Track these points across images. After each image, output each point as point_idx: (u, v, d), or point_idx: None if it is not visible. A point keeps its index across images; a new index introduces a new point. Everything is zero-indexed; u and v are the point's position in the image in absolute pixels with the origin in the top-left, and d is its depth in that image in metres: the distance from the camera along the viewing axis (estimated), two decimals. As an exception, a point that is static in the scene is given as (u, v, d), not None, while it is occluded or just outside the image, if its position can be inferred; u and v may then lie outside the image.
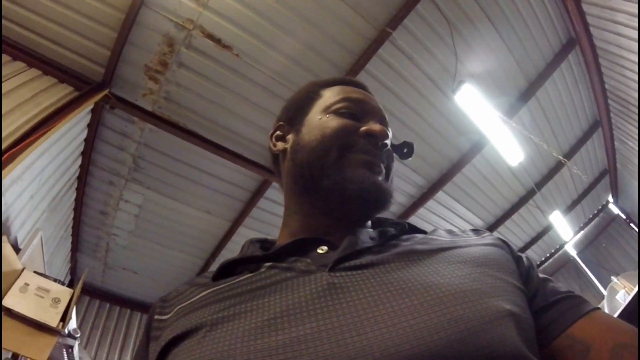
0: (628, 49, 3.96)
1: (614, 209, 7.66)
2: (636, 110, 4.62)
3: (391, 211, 5.33)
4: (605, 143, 5.86)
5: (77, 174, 4.19)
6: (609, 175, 6.74)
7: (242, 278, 0.63)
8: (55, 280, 3.15)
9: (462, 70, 4.02)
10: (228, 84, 3.80)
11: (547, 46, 4.42)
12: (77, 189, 4.30)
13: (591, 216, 7.71)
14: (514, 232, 6.61)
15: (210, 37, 3.52)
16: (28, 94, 3.30)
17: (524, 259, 0.68)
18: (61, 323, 2.85)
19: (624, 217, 7.51)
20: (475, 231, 0.75)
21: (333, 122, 0.74)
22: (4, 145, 2.82)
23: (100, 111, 3.83)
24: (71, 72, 3.58)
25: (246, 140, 4.20)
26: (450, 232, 0.74)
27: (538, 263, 7.85)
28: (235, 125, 4.09)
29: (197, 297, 0.64)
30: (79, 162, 4.11)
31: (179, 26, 3.45)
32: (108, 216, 4.69)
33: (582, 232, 7.73)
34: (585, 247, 8.20)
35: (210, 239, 5.10)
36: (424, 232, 0.73)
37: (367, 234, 0.69)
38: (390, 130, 0.78)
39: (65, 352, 3.28)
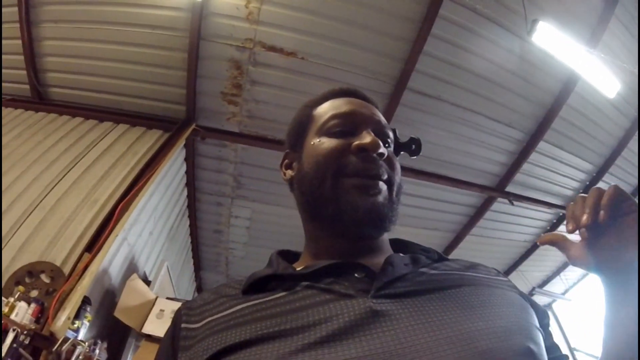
0: None
1: None
2: None
3: (494, 173, 5.11)
4: None
5: (186, 204, 4.60)
6: None
7: (278, 296, 0.63)
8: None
9: (531, 7, 3.70)
10: (301, 87, 3.88)
11: None
12: (189, 216, 4.73)
13: None
14: (628, 170, 5.89)
15: (272, 49, 3.64)
16: (124, 147, 3.71)
17: (547, 314, 0.71)
18: None
19: None
20: (499, 273, 0.76)
21: (324, 146, 0.73)
22: (116, 196, 3.19)
23: (192, 144, 4.16)
24: (156, 118, 3.97)
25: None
26: (474, 266, 0.74)
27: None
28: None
29: (231, 310, 0.63)
30: (185, 192, 4.51)
31: (240, 48, 3.62)
32: (222, 233, 5.07)
33: None
34: None
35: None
36: (448, 259, 0.74)
37: (402, 260, 0.67)
38: (390, 131, 0.77)
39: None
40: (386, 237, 0.76)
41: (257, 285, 0.67)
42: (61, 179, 3.37)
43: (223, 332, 0.59)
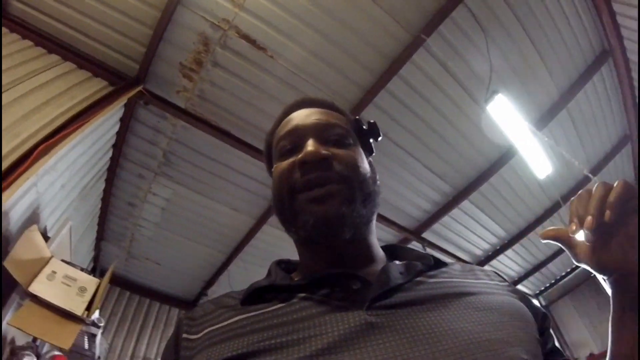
0: None
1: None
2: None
3: (415, 217, 5.33)
4: (633, 158, 5.75)
5: (107, 166, 4.27)
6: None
7: (275, 307, 0.64)
8: (81, 269, 3.22)
9: (495, 79, 3.97)
10: (262, 84, 3.82)
11: (581, 57, 4.37)
12: (106, 180, 4.38)
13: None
14: (537, 245, 6.52)
15: (246, 37, 3.55)
16: (63, 87, 3.36)
17: (548, 318, 0.72)
18: (86, 312, 2.93)
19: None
20: (499, 276, 0.77)
21: (278, 170, 0.77)
22: (39, 137, 2.90)
23: (133, 106, 3.89)
24: (106, 67, 3.64)
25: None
26: (472, 271, 0.75)
27: (558, 278, 7.72)
28: (266, 125, 4.07)
29: (229, 321, 0.65)
30: (110, 154, 4.18)
31: (215, 26, 3.48)
32: (135, 208, 4.77)
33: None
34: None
35: (235, 235, 5.14)
36: (445, 264, 0.75)
37: (397, 269, 0.68)
38: (340, 128, 0.79)
39: (87, 340, 3.37)
40: (371, 240, 0.77)
41: (256, 296, 0.69)
42: None
43: (222, 343, 0.60)
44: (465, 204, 5.27)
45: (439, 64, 3.90)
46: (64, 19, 3.45)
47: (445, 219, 5.43)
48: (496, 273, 0.78)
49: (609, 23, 4.01)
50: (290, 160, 0.75)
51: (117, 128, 4.00)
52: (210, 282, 5.75)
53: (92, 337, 3.35)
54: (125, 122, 3.99)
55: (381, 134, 0.86)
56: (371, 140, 0.86)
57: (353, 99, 4.02)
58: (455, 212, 5.36)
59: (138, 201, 4.71)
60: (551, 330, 0.71)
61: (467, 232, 5.81)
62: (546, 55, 4.18)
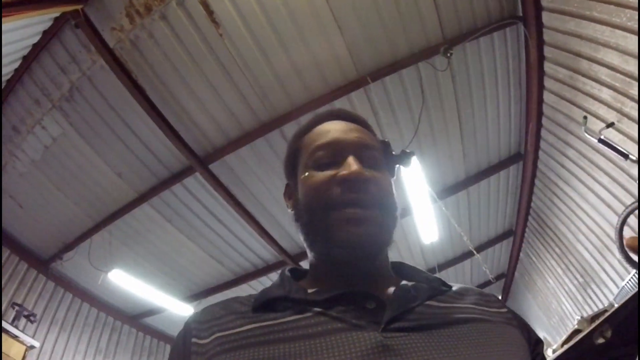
0: (566, 181, 4.37)
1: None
2: (550, 234, 5.21)
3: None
4: (512, 251, 6.32)
5: (8, 77, 3.85)
6: (505, 279, 7.31)
7: (289, 319, 0.63)
8: None
9: (415, 141, 4.15)
10: (198, 57, 3.65)
11: (496, 151, 4.79)
12: (1, 90, 3.93)
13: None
14: None
15: (206, 5, 3.40)
16: None
17: (541, 343, 0.73)
18: None
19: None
20: (499, 302, 0.77)
21: (312, 180, 0.74)
22: None
23: (62, 24, 3.53)
24: None
25: (190, 120, 4.03)
26: (475, 295, 0.76)
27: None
28: (185, 101, 3.91)
29: (241, 329, 0.63)
30: (16, 65, 3.77)
31: (178, -21, 3.33)
32: (19, 135, 4.26)
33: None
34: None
35: (110, 203, 4.74)
36: (450, 286, 0.76)
37: (409, 291, 0.68)
38: (377, 151, 0.78)
39: None
40: (387, 260, 0.77)
41: (268, 305, 0.67)
42: None
43: (234, 351, 0.59)
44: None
45: (370, 108, 4.02)
46: None
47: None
48: (497, 298, 0.79)
49: (532, 131, 4.40)
50: (329, 173, 0.73)
51: (36, 39, 3.62)
52: (69, 246, 5.19)
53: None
54: (47, 38, 3.62)
55: (411, 164, 0.85)
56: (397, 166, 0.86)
57: (281, 110, 4.01)
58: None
59: (24, 128, 4.22)
60: (544, 354, 0.72)
61: None
62: (467, 138, 4.51)
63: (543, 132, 4.38)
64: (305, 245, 0.78)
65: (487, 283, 7.09)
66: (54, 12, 3.28)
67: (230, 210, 4.81)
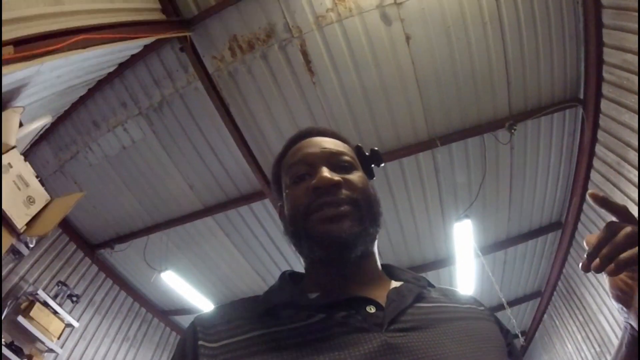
0: None
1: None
2: (576, 301, 5.55)
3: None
4: (537, 311, 6.65)
5: (101, 78, 4.09)
6: (525, 336, 7.53)
7: (296, 325, 0.69)
8: (37, 176, 2.89)
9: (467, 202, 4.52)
10: (289, 96, 3.94)
11: (539, 217, 5.11)
12: (90, 89, 4.18)
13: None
14: None
15: (305, 54, 3.71)
16: None
17: (511, 333, 0.84)
18: (26, 227, 2.61)
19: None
20: (478, 302, 0.87)
21: (291, 195, 0.83)
22: (79, 20, 2.78)
23: (164, 42, 3.79)
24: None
25: (269, 149, 4.31)
26: (458, 296, 0.86)
27: None
28: (268, 132, 4.21)
29: (249, 335, 0.68)
30: (112, 70, 4.02)
31: (287, 27, 3.61)
32: (98, 130, 4.52)
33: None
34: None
35: (175, 208, 5.01)
36: (434, 286, 0.86)
37: (401, 292, 0.76)
38: (347, 156, 0.86)
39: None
40: (376, 262, 0.85)
41: (274, 310, 0.73)
42: None
43: (246, 358, 0.64)
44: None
45: (434, 168, 4.34)
46: None
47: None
48: (474, 298, 0.88)
49: (575, 203, 4.73)
50: (304, 185, 0.81)
51: (136, 51, 3.89)
52: (122, 238, 5.45)
53: (17, 255, 2.99)
54: (147, 51, 3.88)
55: (382, 161, 0.94)
56: (372, 166, 0.95)
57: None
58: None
59: (104, 125, 4.48)
60: (514, 343, 0.83)
61: None
62: (514, 205, 4.86)
63: (585, 207, 4.70)
64: (299, 254, 0.85)
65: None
66: (165, 36, 3.54)
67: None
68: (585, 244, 0.62)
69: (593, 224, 4.69)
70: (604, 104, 4.05)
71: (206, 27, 3.74)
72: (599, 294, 5.02)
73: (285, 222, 0.85)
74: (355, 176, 0.83)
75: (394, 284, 0.81)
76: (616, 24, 3.50)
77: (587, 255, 0.60)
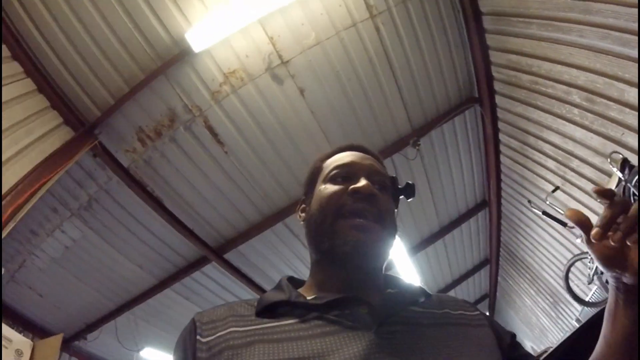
0: (526, 224, 5.33)
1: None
2: (520, 263, 6.13)
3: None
4: (490, 276, 7.24)
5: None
6: (488, 298, 8.21)
7: (290, 322, 0.71)
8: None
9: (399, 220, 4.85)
10: (207, 170, 4.18)
11: (464, 203, 5.62)
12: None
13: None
14: None
15: (210, 129, 3.94)
16: (20, 115, 3.33)
17: (512, 335, 0.83)
18: None
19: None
20: (472, 306, 0.88)
21: (326, 190, 0.85)
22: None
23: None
24: (66, 102, 3.67)
25: (202, 219, 4.55)
26: (451, 302, 0.86)
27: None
28: (198, 204, 4.45)
29: (243, 328, 0.70)
30: (31, 180, 4.14)
31: (187, 108, 3.82)
32: (37, 237, 4.61)
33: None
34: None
35: (132, 289, 5.19)
36: (429, 295, 0.85)
37: (394, 297, 0.81)
38: (387, 179, 0.90)
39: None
40: (381, 273, 0.87)
41: (270, 309, 0.75)
42: None
43: (237, 348, 0.66)
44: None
45: None
46: (52, 42, 3.43)
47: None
48: (470, 303, 0.89)
49: (493, 186, 5.23)
50: (343, 186, 0.84)
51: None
52: (92, 326, 5.59)
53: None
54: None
55: (414, 195, 0.96)
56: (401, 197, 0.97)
57: (281, 205, 4.63)
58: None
59: (42, 232, 4.57)
60: (519, 342, 0.83)
61: None
62: (438, 199, 5.33)
63: (503, 186, 5.18)
64: (311, 249, 0.87)
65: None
66: (79, 155, 3.70)
67: (249, 289, 5.41)
68: (571, 216, 0.63)
69: (515, 199, 5.18)
70: (498, 99, 4.45)
71: (111, 125, 3.88)
72: (537, 255, 5.59)
73: (310, 215, 0.87)
74: (387, 198, 0.87)
75: (390, 289, 0.85)
76: (497, 29, 3.86)
77: (601, 226, 0.59)
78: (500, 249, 6.41)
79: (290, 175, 4.40)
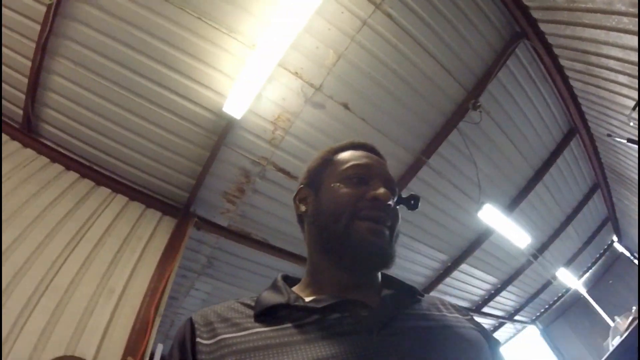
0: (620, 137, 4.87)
1: (619, 247, 8.46)
2: (628, 182, 5.70)
3: (419, 282, 6.16)
4: (604, 201, 6.87)
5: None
6: (610, 222, 7.71)
7: (290, 325, 0.71)
8: None
9: (482, 179, 4.90)
10: (291, 203, 4.52)
11: (550, 139, 5.34)
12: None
13: (597, 256, 8.52)
14: (526, 283, 7.47)
15: (282, 170, 4.26)
16: (126, 227, 3.87)
17: (499, 345, 0.86)
18: None
19: (628, 254, 8.29)
20: (464, 310, 0.90)
21: (344, 191, 0.84)
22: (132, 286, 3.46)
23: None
24: (156, 197, 4.28)
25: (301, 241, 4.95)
26: (445, 305, 0.88)
27: (551, 302, 8.74)
28: (295, 232, 4.80)
29: (244, 332, 0.70)
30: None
31: (255, 162, 4.17)
32: (177, 300, 5.37)
33: (589, 271, 8.54)
34: (593, 285, 8.77)
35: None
36: (423, 295, 0.87)
37: (393, 299, 0.79)
38: (396, 187, 0.90)
39: None
40: (379, 277, 0.88)
41: (270, 312, 0.75)
42: (69, 255, 3.39)
43: (240, 353, 0.66)
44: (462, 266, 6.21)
45: (438, 177, 4.78)
46: (102, 147, 4.07)
47: (447, 279, 6.31)
48: (461, 307, 0.91)
49: (572, 109, 4.92)
50: (359, 189, 0.84)
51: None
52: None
53: None
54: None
55: (418, 207, 0.93)
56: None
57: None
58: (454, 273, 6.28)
59: (180, 296, 5.31)
60: (500, 353, 0.85)
61: (465, 286, 6.69)
62: (522, 148, 5.15)
63: (584, 109, 4.87)
64: (315, 249, 0.87)
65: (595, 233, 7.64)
66: (187, 237, 4.17)
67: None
68: None
69: (598, 119, 4.85)
70: (543, 26, 4.16)
71: (201, 198, 4.39)
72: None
73: (319, 211, 0.87)
74: (396, 208, 0.87)
75: (387, 291, 0.82)
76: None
77: None
78: (605, 172, 6.01)
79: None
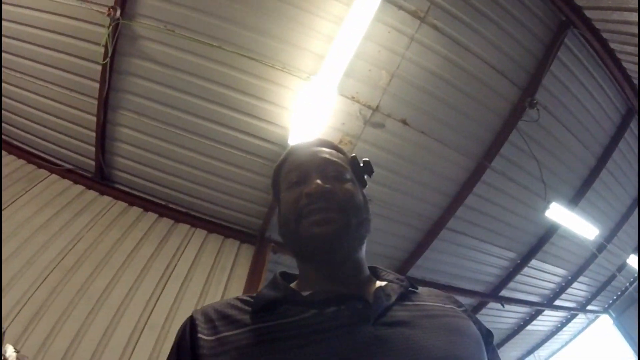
0: None
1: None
2: None
3: (488, 282, 6.11)
4: None
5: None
6: None
7: (290, 319, 0.72)
8: None
9: (546, 175, 4.89)
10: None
11: (609, 123, 5.24)
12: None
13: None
14: (597, 272, 7.35)
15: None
16: (209, 259, 4.09)
17: (490, 334, 0.88)
18: None
19: None
20: (458, 302, 0.91)
21: (286, 199, 0.89)
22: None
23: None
24: (232, 228, 4.51)
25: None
26: (439, 296, 0.90)
27: (623, 289, 8.45)
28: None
29: (244, 329, 0.72)
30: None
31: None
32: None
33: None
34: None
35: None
36: (417, 287, 0.89)
37: (386, 291, 0.81)
38: (341, 167, 0.92)
39: None
40: (363, 263, 0.89)
41: (268, 307, 0.77)
42: (161, 293, 3.59)
43: (241, 349, 0.68)
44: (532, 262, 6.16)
45: (505, 178, 4.80)
46: (174, 186, 4.35)
47: (517, 276, 6.25)
48: (455, 299, 0.92)
49: (627, 89, 4.85)
50: (298, 191, 0.87)
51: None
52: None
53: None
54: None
55: (374, 170, 0.98)
56: (365, 176, 0.99)
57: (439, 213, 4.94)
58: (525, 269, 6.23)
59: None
60: (494, 344, 0.87)
61: (534, 280, 6.66)
62: (580, 134, 5.06)
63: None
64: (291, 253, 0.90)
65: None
66: (267, 261, 4.40)
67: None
68: None
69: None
70: (588, 13, 4.17)
71: (275, 223, 4.41)
72: None
73: (279, 223, 0.92)
74: (346, 185, 0.88)
75: (379, 283, 0.85)
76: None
77: None
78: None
79: (430, 203, 4.76)
